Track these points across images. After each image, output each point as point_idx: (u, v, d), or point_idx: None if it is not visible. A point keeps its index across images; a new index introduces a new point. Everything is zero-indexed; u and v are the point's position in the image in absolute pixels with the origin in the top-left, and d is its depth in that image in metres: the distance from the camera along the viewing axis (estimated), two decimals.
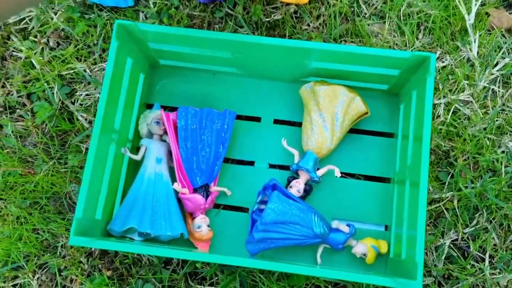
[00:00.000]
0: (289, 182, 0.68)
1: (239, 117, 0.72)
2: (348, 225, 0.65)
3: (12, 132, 0.73)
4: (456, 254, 0.69)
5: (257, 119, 0.72)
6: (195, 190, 0.65)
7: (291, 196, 0.64)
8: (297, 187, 0.66)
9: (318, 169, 0.67)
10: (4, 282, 0.68)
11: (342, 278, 0.54)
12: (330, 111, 0.66)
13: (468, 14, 0.78)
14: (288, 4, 0.78)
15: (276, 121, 0.72)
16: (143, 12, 0.78)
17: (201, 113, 0.66)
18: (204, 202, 0.65)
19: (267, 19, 0.78)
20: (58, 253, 0.69)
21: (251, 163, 0.71)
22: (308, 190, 0.67)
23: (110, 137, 0.62)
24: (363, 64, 0.64)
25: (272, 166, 0.71)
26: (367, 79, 0.68)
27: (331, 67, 0.66)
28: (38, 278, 0.68)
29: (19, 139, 0.73)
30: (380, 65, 0.64)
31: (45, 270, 0.69)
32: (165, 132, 0.67)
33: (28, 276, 0.68)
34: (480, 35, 0.77)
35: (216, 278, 0.68)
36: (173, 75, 0.73)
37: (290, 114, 0.72)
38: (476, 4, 0.78)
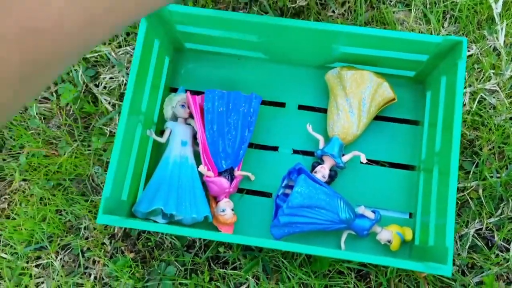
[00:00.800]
0: (314, 167, 0.67)
1: (263, 102, 0.71)
2: (373, 211, 0.64)
3: (37, 113, 0.73)
4: (480, 244, 0.69)
5: (281, 105, 0.72)
6: (219, 174, 0.65)
7: (317, 181, 0.63)
8: (322, 172, 0.66)
9: (343, 155, 0.67)
10: (27, 262, 0.68)
11: (371, 262, 0.53)
12: (357, 97, 0.65)
13: (496, 2, 0.77)
14: None
15: (301, 107, 0.72)
16: None
17: (228, 96, 0.66)
18: (229, 185, 0.65)
19: (292, 5, 0.77)
20: (81, 234, 0.69)
21: (275, 149, 0.71)
22: (333, 175, 0.67)
23: (137, 119, 0.62)
24: (391, 49, 0.63)
25: (296, 151, 0.71)
26: (394, 65, 0.67)
27: (358, 52, 0.65)
28: (61, 258, 0.68)
29: (43, 120, 0.73)
30: (408, 50, 0.63)
31: (68, 251, 0.69)
32: (190, 116, 0.67)
33: (51, 256, 0.68)
34: (507, 24, 0.76)
35: (239, 262, 0.68)
36: (198, 59, 0.73)
37: (314, 100, 0.72)
38: None
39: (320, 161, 0.68)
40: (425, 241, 0.61)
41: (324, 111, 0.71)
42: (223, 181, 0.64)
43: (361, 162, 0.66)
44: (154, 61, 0.64)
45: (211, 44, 0.69)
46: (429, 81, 0.68)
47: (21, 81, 0.26)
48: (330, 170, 0.67)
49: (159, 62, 0.67)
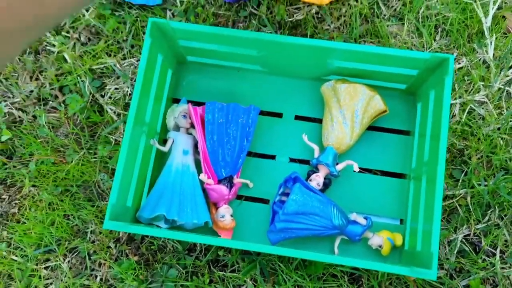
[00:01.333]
0: (309, 175, 0.71)
1: (261, 113, 0.75)
2: (365, 217, 0.67)
3: (46, 123, 0.76)
4: (468, 249, 0.72)
5: (279, 115, 0.75)
6: (219, 181, 0.69)
7: (312, 189, 0.67)
8: (317, 180, 0.69)
9: (337, 164, 0.70)
10: (37, 264, 0.72)
11: (362, 266, 0.57)
12: (350, 109, 0.69)
13: (485, 17, 0.80)
14: (310, 4, 0.81)
15: (297, 117, 0.75)
16: (170, 10, 0.81)
17: (227, 107, 0.69)
18: (228, 192, 0.68)
19: (290, 19, 0.81)
20: (87, 238, 0.72)
21: (273, 157, 0.74)
22: (327, 183, 0.70)
23: (141, 130, 0.65)
24: (383, 64, 0.67)
25: (292, 160, 0.74)
26: (386, 79, 0.71)
27: (352, 66, 0.69)
28: (68, 261, 0.72)
29: (51, 129, 0.77)
30: (399, 65, 0.66)
31: (75, 254, 0.72)
32: (192, 126, 0.71)
33: (59, 259, 0.72)
34: (496, 38, 0.79)
35: (238, 265, 0.71)
36: (199, 71, 0.76)
37: (310, 111, 0.75)
38: (493, 8, 0.80)
39: (315, 170, 0.71)
40: (414, 246, 0.64)
41: (320, 121, 0.74)
42: (223, 188, 0.68)
43: (354, 171, 0.69)
44: (157, 74, 0.67)
45: (212, 57, 0.73)
46: (420, 93, 0.72)
47: None
48: (325, 178, 0.70)
49: (162, 75, 0.70)
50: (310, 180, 0.69)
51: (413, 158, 0.71)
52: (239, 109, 0.70)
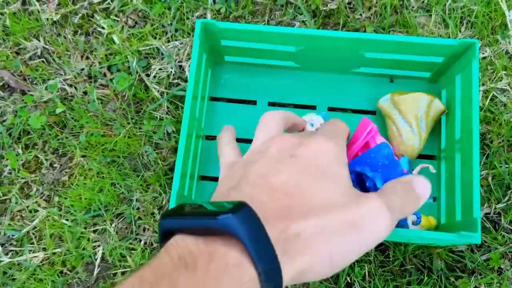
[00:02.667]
0: None
1: (296, 106, 0.80)
2: (415, 214, 0.71)
3: (96, 98, 0.82)
4: (488, 226, 0.76)
5: (313, 107, 0.80)
6: None
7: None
8: None
9: (412, 169, 0.74)
10: (86, 228, 0.77)
11: (410, 235, 0.61)
12: (413, 117, 0.73)
13: (509, 10, 0.85)
14: None
15: (330, 109, 0.80)
16: None
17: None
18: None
19: (324, 8, 0.86)
20: (133, 205, 0.78)
21: None
22: None
23: (193, 124, 0.70)
24: (411, 52, 0.72)
25: None
26: (412, 67, 0.76)
27: (381, 57, 0.74)
28: (115, 226, 0.77)
29: (101, 104, 0.83)
30: (426, 53, 0.71)
31: (121, 219, 0.78)
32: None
33: (106, 223, 0.77)
34: None
35: None
36: (235, 70, 0.81)
37: (341, 102, 0.80)
38: None
39: None
40: (452, 217, 0.68)
41: (352, 111, 0.80)
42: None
43: (432, 172, 0.73)
44: (202, 74, 0.72)
45: (248, 56, 0.77)
46: (444, 80, 0.77)
47: None
48: None
49: (205, 75, 0.75)
50: None
51: (442, 140, 0.76)
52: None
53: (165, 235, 0.31)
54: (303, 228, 0.32)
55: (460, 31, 0.85)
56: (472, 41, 0.66)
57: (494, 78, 0.83)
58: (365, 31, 0.84)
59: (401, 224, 0.70)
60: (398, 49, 0.71)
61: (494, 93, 0.82)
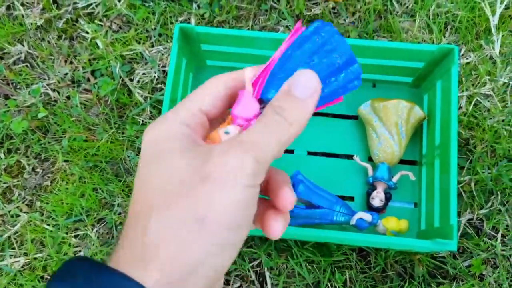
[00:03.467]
0: (369, 194, 0.75)
1: None
2: (371, 214, 0.71)
3: (79, 103, 0.82)
4: (471, 232, 0.76)
5: None
6: (259, 100, 0.45)
7: (313, 188, 0.70)
8: (379, 197, 0.73)
9: (392, 176, 0.74)
10: (67, 233, 0.77)
11: (381, 246, 0.61)
12: (394, 123, 0.73)
13: (493, 15, 0.85)
14: (327, 0, 0.86)
15: (316, 114, 0.80)
16: (196, 2, 0.87)
17: (337, 40, 0.38)
18: (255, 114, 0.54)
19: (308, 13, 0.86)
20: (114, 210, 0.78)
21: (291, 151, 0.79)
22: (388, 197, 0.74)
23: None
24: (392, 58, 0.72)
25: (310, 153, 0.79)
26: (394, 73, 0.76)
27: (363, 62, 0.74)
28: (96, 231, 0.77)
29: (83, 109, 0.82)
30: (407, 59, 0.71)
31: (103, 224, 0.78)
32: None
33: (88, 228, 0.77)
34: (502, 36, 0.84)
35: (253, 242, 0.76)
36: (217, 74, 0.81)
37: (327, 108, 0.80)
38: (500, 7, 0.85)
39: (373, 187, 0.75)
40: (431, 224, 0.68)
41: (335, 116, 0.79)
42: (255, 106, 0.46)
43: (412, 179, 0.73)
44: (182, 78, 0.72)
45: (230, 60, 0.77)
46: (426, 85, 0.77)
47: None
48: (385, 192, 0.74)
49: (186, 79, 0.75)
50: (372, 198, 0.74)
51: (423, 145, 0.76)
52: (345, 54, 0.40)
53: None
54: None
55: (444, 36, 0.85)
56: (451, 47, 0.66)
57: (478, 83, 0.82)
58: (349, 36, 0.84)
59: (358, 225, 0.70)
60: (379, 54, 0.71)
61: (478, 98, 0.82)
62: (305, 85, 0.30)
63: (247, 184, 0.27)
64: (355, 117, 0.80)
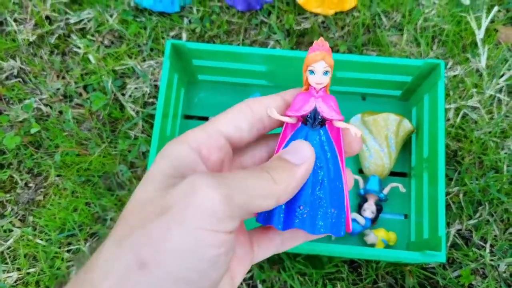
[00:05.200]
0: (360, 206, 0.76)
1: None
2: (365, 218, 0.73)
3: (71, 117, 0.83)
4: (460, 242, 0.77)
5: None
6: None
7: None
8: (370, 209, 0.74)
9: (383, 188, 0.75)
10: (60, 247, 0.78)
11: (372, 258, 0.62)
12: (384, 136, 0.74)
13: (479, 29, 0.86)
14: (316, 14, 0.88)
15: None
16: (187, 17, 0.88)
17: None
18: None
19: (298, 27, 0.87)
20: (107, 224, 0.78)
21: None
22: (379, 209, 0.75)
23: (164, 142, 0.71)
24: (380, 72, 0.73)
25: None
26: (382, 86, 0.77)
27: (352, 76, 0.75)
28: (89, 245, 0.78)
29: (76, 124, 0.83)
30: (394, 73, 0.73)
31: (95, 239, 0.78)
32: None
33: (81, 243, 0.77)
34: (488, 49, 0.86)
35: None
36: (208, 89, 0.82)
37: None
38: (486, 21, 0.86)
39: (365, 199, 0.76)
40: (420, 235, 0.69)
41: None
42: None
43: (402, 191, 0.74)
44: (174, 93, 0.73)
45: (221, 75, 0.78)
46: (414, 98, 0.78)
47: None
48: (376, 204, 0.75)
49: (177, 94, 0.76)
50: (364, 210, 0.75)
51: (412, 157, 0.77)
52: None
53: None
54: None
55: (431, 50, 0.87)
56: (437, 62, 0.68)
57: (465, 96, 0.84)
58: (338, 50, 0.86)
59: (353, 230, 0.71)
60: (368, 68, 0.72)
61: (465, 110, 0.83)
62: (297, 152, 0.29)
63: (210, 227, 0.23)
64: None
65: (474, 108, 0.84)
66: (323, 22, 0.88)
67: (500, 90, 0.84)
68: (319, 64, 0.31)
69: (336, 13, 0.88)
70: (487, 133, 0.82)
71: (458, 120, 0.82)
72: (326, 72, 0.32)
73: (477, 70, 0.85)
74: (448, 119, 0.83)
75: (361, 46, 0.86)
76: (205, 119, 0.81)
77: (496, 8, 0.88)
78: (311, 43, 0.87)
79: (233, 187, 0.24)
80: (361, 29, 0.86)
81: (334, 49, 0.86)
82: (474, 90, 0.84)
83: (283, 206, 0.30)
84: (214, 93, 0.82)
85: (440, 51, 0.87)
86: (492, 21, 0.88)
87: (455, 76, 0.85)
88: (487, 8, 0.88)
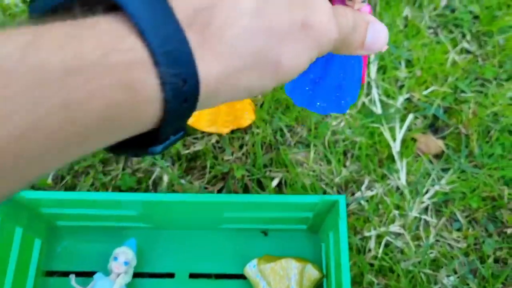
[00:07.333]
0: None
1: (150, 275, 0.65)
2: None
3: None
4: None
5: (170, 275, 0.66)
6: None
7: None
8: None
9: None
10: None
11: None
12: None
13: (394, 141, 0.76)
14: (210, 134, 0.76)
15: (192, 275, 0.66)
16: None
17: None
18: None
19: (187, 151, 0.75)
20: None
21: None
22: None
23: None
24: (278, 210, 0.60)
25: None
26: (285, 222, 0.64)
27: (247, 215, 0.62)
28: None
29: None
30: (294, 210, 0.60)
31: None
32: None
33: None
34: (407, 162, 0.75)
35: None
36: (75, 235, 0.67)
37: (206, 266, 0.66)
38: (400, 132, 0.76)
39: None
40: None
41: (217, 276, 0.66)
42: None
43: None
44: (16, 248, 0.58)
45: (86, 220, 0.64)
46: (321, 233, 0.65)
47: None
48: None
49: (26, 247, 0.61)
50: None
51: None
52: None
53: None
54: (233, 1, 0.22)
55: (344, 166, 0.75)
56: (335, 199, 0.55)
57: (386, 219, 0.71)
58: (234, 175, 0.73)
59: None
60: (264, 208, 0.59)
61: (388, 238, 0.70)
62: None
63: None
64: (244, 276, 0.66)
65: (397, 235, 0.71)
66: (217, 142, 0.76)
67: (425, 210, 0.73)
68: None
69: (232, 131, 0.76)
70: (416, 264, 0.69)
71: (380, 250, 0.69)
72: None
73: (397, 188, 0.74)
74: (370, 250, 0.69)
75: (262, 168, 0.74)
76: (71, 273, 0.65)
77: (411, 116, 0.78)
78: (204, 167, 0.74)
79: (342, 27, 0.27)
80: (259, 149, 0.75)
81: (231, 173, 0.74)
82: (396, 212, 0.72)
83: None
84: (80, 241, 0.67)
85: (354, 167, 0.75)
86: (409, 129, 0.78)
87: (373, 196, 0.73)
88: (401, 116, 0.78)
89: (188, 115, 0.21)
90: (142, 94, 0.19)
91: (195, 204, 0.57)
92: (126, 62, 0.18)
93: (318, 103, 0.49)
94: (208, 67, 0.21)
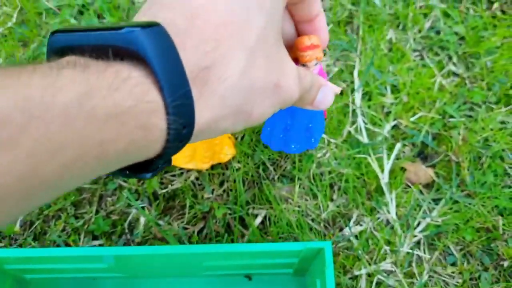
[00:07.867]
0: None
1: None
2: None
3: None
4: None
5: None
6: None
7: None
8: None
9: None
10: None
11: None
12: None
13: (382, 172, 0.73)
14: (189, 170, 0.72)
15: None
16: None
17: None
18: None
19: (165, 190, 0.71)
20: None
21: None
22: None
23: None
24: (260, 257, 0.56)
25: None
26: (269, 267, 0.60)
27: (230, 263, 0.58)
28: None
29: None
30: (276, 257, 0.56)
31: None
32: None
33: None
34: (397, 194, 0.71)
35: None
36: (46, 286, 0.62)
37: None
38: (388, 163, 0.73)
39: None
40: None
41: None
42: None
43: None
44: None
45: (55, 273, 0.59)
46: (308, 279, 0.61)
47: None
48: None
49: None
50: None
51: None
52: None
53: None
54: (226, 64, 0.27)
55: (331, 200, 0.71)
56: (320, 246, 0.51)
57: (377, 257, 0.68)
58: (215, 214, 0.69)
59: None
60: (240, 257, 0.55)
61: (380, 276, 0.66)
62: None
63: None
64: None
65: (389, 272, 0.67)
66: (197, 179, 0.72)
67: (417, 244, 0.69)
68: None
69: (212, 167, 0.72)
70: None
71: None
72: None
73: (388, 222, 0.70)
74: None
75: (245, 205, 0.70)
76: None
77: (399, 145, 0.75)
78: (183, 207, 0.70)
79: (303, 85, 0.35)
80: (241, 186, 0.71)
81: (212, 211, 0.70)
82: (387, 247, 0.68)
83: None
84: None
85: (342, 201, 0.71)
86: (397, 158, 0.74)
87: (362, 232, 0.69)
88: (389, 145, 0.75)
89: (178, 151, 0.26)
90: (153, 135, 0.24)
91: (172, 256, 0.53)
92: (148, 110, 0.24)
93: (293, 146, 0.61)
94: (201, 115, 0.26)
